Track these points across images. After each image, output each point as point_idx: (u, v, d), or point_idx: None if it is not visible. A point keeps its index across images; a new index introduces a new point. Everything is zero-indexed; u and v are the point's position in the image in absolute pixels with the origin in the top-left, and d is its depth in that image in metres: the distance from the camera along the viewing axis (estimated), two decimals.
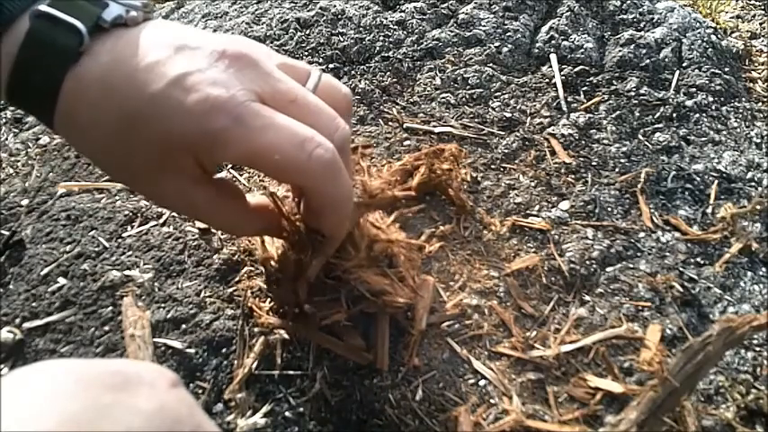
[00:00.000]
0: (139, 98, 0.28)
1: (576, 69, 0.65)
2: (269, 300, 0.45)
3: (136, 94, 0.28)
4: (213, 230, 0.51)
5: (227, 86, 0.28)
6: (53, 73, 0.28)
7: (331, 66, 0.65)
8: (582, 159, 0.57)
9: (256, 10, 0.74)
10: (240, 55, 0.29)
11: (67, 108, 0.29)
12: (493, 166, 0.56)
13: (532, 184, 0.54)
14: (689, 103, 0.62)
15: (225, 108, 0.27)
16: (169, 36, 0.29)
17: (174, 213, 0.52)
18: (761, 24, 0.80)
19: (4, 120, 0.67)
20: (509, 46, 0.67)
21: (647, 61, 0.66)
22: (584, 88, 0.63)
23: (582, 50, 0.66)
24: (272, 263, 0.43)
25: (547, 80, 0.64)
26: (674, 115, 0.61)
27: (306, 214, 0.36)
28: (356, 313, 0.41)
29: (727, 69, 0.67)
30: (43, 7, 0.28)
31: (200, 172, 0.30)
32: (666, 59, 0.66)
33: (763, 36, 0.78)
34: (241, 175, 0.55)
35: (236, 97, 0.27)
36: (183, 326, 0.45)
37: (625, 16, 0.71)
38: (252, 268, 0.47)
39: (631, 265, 0.49)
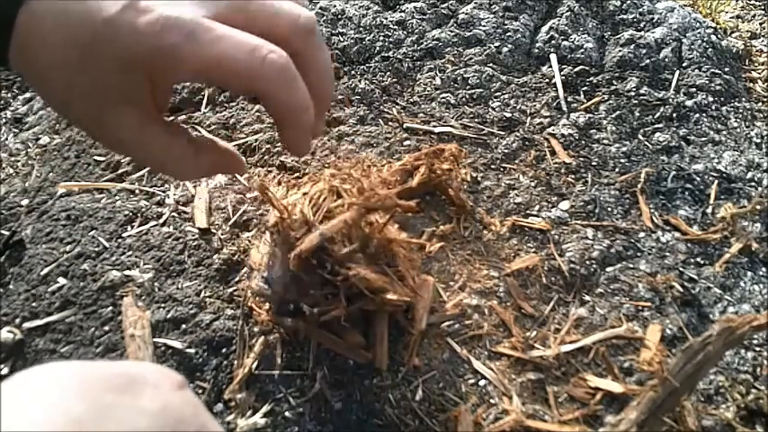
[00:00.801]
0: (93, 24, 0.28)
1: (576, 69, 0.65)
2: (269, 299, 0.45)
3: (90, 20, 0.28)
4: (213, 230, 0.51)
5: (178, 5, 0.29)
6: (6, 8, 0.28)
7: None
8: (582, 159, 0.57)
9: None
10: None
11: (22, 43, 0.29)
12: (493, 166, 0.56)
13: (532, 184, 0.54)
14: (689, 103, 0.62)
15: (176, 25, 0.28)
16: None
17: (173, 213, 0.52)
18: (761, 24, 0.80)
19: (4, 120, 0.67)
20: (509, 46, 0.67)
21: (647, 61, 0.66)
22: (584, 88, 0.63)
23: (582, 50, 0.66)
24: (261, 267, 0.43)
25: (547, 80, 0.64)
26: (674, 115, 0.61)
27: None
28: (355, 312, 0.41)
29: (727, 69, 0.67)
30: None
31: (152, 106, 0.31)
32: (666, 59, 0.66)
33: (763, 36, 0.78)
34: (241, 175, 0.55)
35: (186, 14, 0.29)
36: (183, 326, 0.45)
37: (625, 16, 0.71)
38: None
39: (631, 265, 0.49)
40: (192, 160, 0.34)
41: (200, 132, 0.58)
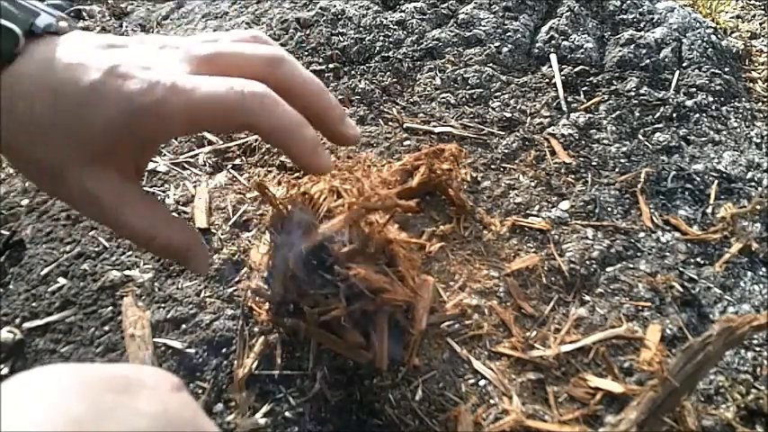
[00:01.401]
0: (79, 88, 0.30)
1: (576, 69, 0.65)
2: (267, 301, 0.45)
3: (74, 84, 0.30)
4: (213, 230, 0.51)
5: (155, 65, 0.31)
6: None
7: (331, 66, 0.65)
8: (582, 159, 0.57)
9: (256, 10, 0.74)
10: (164, 42, 0.33)
11: (3, 107, 0.30)
12: (493, 166, 0.56)
13: (532, 184, 0.54)
14: (689, 103, 0.62)
15: (159, 83, 0.30)
16: (97, 39, 0.32)
17: (173, 213, 0.52)
18: (761, 24, 0.80)
19: None
20: (509, 46, 0.67)
21: (647, 61, 0.66)
22: (585, 88, 0.63)
23: (582, 50, 0.66)
24: (261, 267, 0.43)
25: (547, 80, 0.64)
26: (674, 115, 0.61)
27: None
28: (355, 312, 0.41)
29: (727, 69, 0.67)
30: None
31: (131, 168, 0.32)
32: (666, 59, 0.66)
33: (763, 36, 0.78)
34: (241, 175, 0.55)
35: (165, 71, 0.30)
36: (183, 326, 0.45)
37: (625, 16, 0.71)
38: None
39: (631, 265, 0.49)
40: (164, 229, 0.34)
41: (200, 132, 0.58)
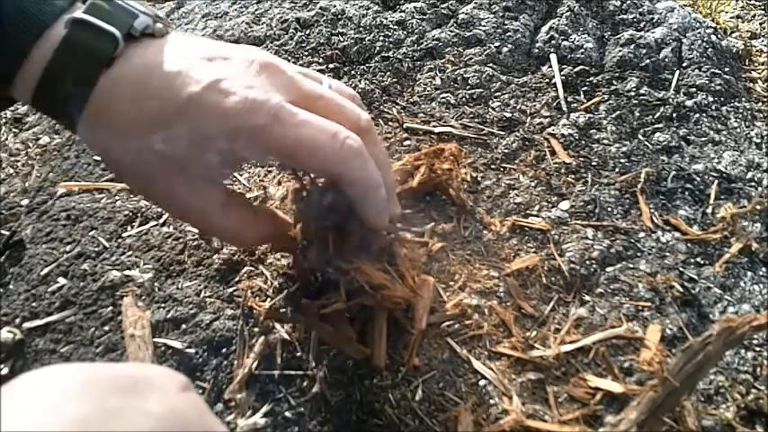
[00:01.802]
0: (176, 99, 0.29)
1: (576, 69, 0.65)
2: (269, 299, 0.45)
3: (172, 94, 0.30)
4: None
5: (263, 89, 0.30)
6: (87, 74, 0.30)
7: (331, 66, 0.65)
8: (582, 159, 0.57)
9: (256, 10, 0.74)
10: (268, 63, 0.32)
11: (99, 108, 0.30)
12: (493, 166, 0.56)
13: (532, 184, 0.54)
14: (689, 103, 0.62)
15: (263, 108, 0.30)
16: (198, 47, 0.32)
17: None
18: (761, 24, 0.80)
19: (4, 120, 0.67)
20: (509, 46, 0.67)
21: (647, 61, 0.66)
22: (585, 88, 0.63)
23: (582, 50, 0.66)
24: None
25: (547, 80, 0.64)
26: (674, 115, 0.61)
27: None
28: (355, 308, 0.41)
29: (727, 69, 0.67)
30: (79, 15, 0.30)
31: (216, 175, 0.32)
32: (666, 59, 0.66)
33: (763, 36, 0.78)
34: (241, 175, 0.55)
35: (272, 98, 0.30)
36: (183, 326, 0.45)
37: (625, 16, 0.71)
38: (252, 268, 0.47)
39: (631, 265, 0.49)
40: (248, 229, 0.35)
41: None
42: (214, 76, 0.30)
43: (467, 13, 0.70)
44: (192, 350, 0.43)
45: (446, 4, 0.71)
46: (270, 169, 0.56)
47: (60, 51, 0.29)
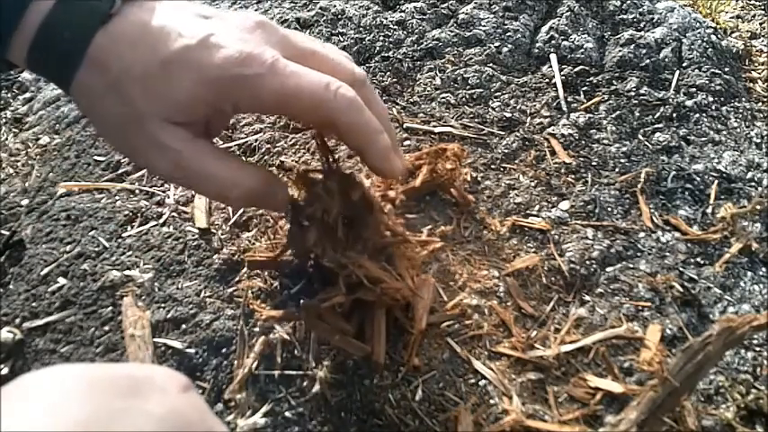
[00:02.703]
0: (172, 48, 0.30)
1: (576, 69, 0.65)
2: (269, 299, 0.45)
3: (168, 44, 0.30)
4: (213, 230, 0.51)
5: (257, 44, 0.31)
6: (84, 30, 0.30)
7: None
8: (582, 159, 0.57)
9: (256, 10, 0.74)
10: (263, 22, 0.33)
11: (94, 64, 0.31)
12: (493, 166, 0.56)
13: (532, 184, 0.54)
14: (689, 103, 0.62)
15: (258, 59, 0.30)
16: (194, 6, 0.33)
17: (173, 213, 0.52)
18: (761, 24, 0.80)
19: (4, 120, 0.67)
20: (509, 46, 0.67)
21: (647, 61, 0.66)
22: (585, 88, 0.63)
23: (582, 50, 0.66)
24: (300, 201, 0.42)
25: (547, 80, 0.64)
26: (674, 115, 0.61)
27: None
28: (354, 304, 0.41)
29: (727, 69, 0.67)
30: None
31: (204, 129, 0.33)
32: (666, 59, 0.66)
33: (763, 36, 0.78)
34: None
35: (267, 52, 0.31)
36: (183, 326, 0.45)
37: (625, 16, 0.71)
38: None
39: (631, 265, 0.49)
40: (239, 177, 0.34)
41: None
42: (209, 30, 0.31)
43: (467, 13, 0.70)
44: (192, 350, 0.43)
45: (446, 4, 0.71)
46: (270, 169, 0.56)
47: (56, 9, 0.30)
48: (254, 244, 0.49)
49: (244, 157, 0.56)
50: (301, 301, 0.42)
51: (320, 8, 0.71)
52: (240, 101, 0.31)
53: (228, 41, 0.31)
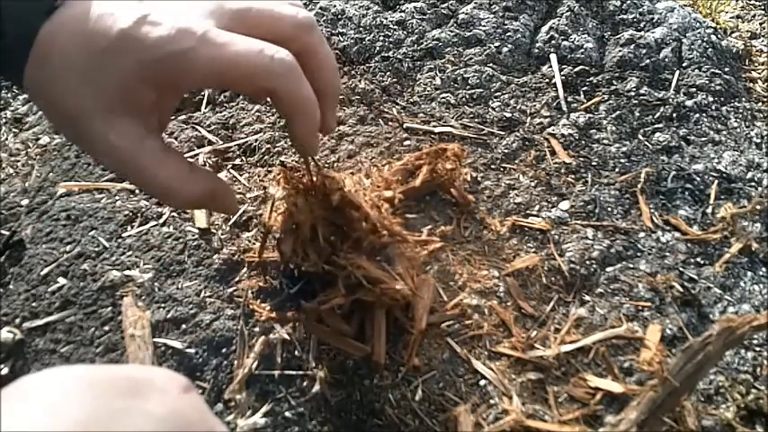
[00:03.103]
0: (108, 34, 0.30)
1: (576, 69, 0.65)
2: (269, 300, 0.45)
3: (105, 31, 0.30)
4: (213, 230, 0.51)
5: (187, 16, 0.31)
6: (31, 22, 0.30)
7: None
8: (582, 159, 0.57)
9: None
10: None
11: (41, 54, 0.31)
12: (493, 166, 0.56)
13: (532, 184, 0.54)
14: (689, 103, 0.62)
15: (189, 31, 0.30)
16: None
17: (173, 213, 0.52)
18: (761, 24, 0.80)
19: (4, 120, 0.67)
20: (509, 46, 0.67)
21: (647, 61, 0.66)
22: (585, 88, 0.63)
23: (582, 50, 0.66)
24: (275, 227, 0.42)
25: (547, 80, 0.64)
26: (674, 115, 0.61)
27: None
28: (354, 304, 0.41)
29: (727, 69, 0.67)
30: None
31: (154, 120, 0.33)
32: (666, 59, 0.66)
33: (763, 36, 0.78)
34: (241, 176, 0.55)
35: (198, 23, 0.31)
36: (183, 326, 0.45)
37: (625, 16, 0.71)
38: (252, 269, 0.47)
39: (631, 265, 0.49)
40: (186, 180, 0.34)
41: (200, 132, 0.58)
42: (144, 11, 0.31)
43: (467, 13, 0.70)
44: (192, 350, 0.43)
45: (446, 4, 0.71)
46: (270, 169, 0.56)
47: (1, 4, 0.30)
48: (254, 244, 0.49)
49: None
50: (301, 302, 0.41)
51: (320, 8, 0.71)
52: (180, 79, 0.31)
53: (163, 19, 0.30)
